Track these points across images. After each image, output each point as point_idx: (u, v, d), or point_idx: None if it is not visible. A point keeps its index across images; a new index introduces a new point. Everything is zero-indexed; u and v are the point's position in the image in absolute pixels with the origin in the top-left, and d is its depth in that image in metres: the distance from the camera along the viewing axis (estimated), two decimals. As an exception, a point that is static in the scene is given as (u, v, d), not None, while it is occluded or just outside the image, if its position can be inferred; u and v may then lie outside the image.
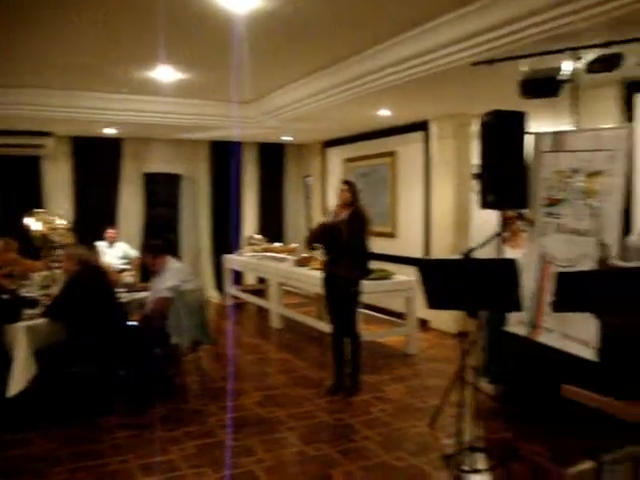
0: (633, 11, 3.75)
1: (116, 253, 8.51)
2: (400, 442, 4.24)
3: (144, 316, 5.34)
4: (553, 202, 4.16)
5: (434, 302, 3.43)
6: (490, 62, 4.57)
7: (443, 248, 7.47)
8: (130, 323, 5.30)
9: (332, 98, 6.52)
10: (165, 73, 6.19)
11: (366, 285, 5.72)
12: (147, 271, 5.88)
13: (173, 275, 5.31)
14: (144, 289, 5.80)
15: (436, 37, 4.82)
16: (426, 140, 8.05)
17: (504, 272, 3.15)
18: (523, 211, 4.53)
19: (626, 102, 5.69)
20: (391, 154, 8.72)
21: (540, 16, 4.12)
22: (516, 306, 3.30)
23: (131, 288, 5.96)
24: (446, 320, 7.28)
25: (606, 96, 5.72)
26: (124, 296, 5.59)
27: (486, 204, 4.33)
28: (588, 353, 3.62)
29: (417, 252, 8.04)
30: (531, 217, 4.29)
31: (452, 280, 3.25)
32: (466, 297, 3.25)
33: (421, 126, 8.10)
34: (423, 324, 7.45)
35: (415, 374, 5.89)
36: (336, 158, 10.27)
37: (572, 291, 2.81)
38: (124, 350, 4.93)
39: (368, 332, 6.46)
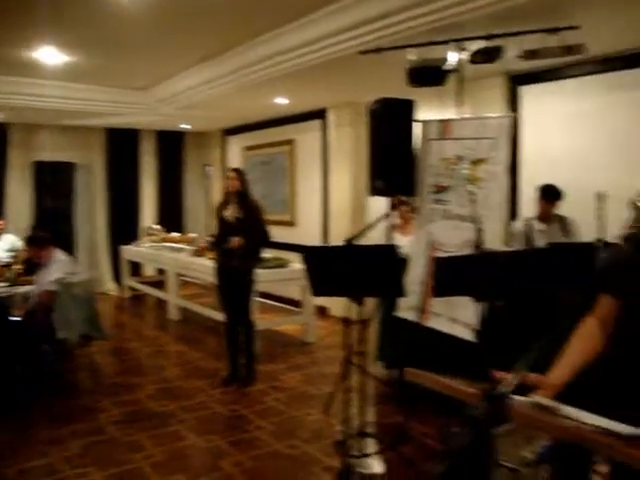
0: (514, 5, 3.87)
1: (3, 245, 8.02)
2: (293, 430, 4.23)
3: (28, 311, 5.08)
4: (440, 189, 4.26)
5: (318, 289, 3.43)
6: (377, 51, 4.61)
7: (341, 236, 7.48)
8: (13, 318, 5.02)
9: (225, 86, 6.44)
10: (48, 54, 5.86)
11: (262, 274, 5.68)
12: (32, 264, 5.59)
13: (59, 268, 5.11)
14: (28, 283, 5.50)
15: (324, 25, 4.83)
16: (324, 128, 8.07)
17: (385, 258, 3.18)
18: (407, 198, 4.61)
19: (511, 93, 5.91)
20: (290, 142, 8.69)
21: (426, 7, 4.19)
22: (399, 292, 3.35)
23: (13, 282, 5.63)
24: (345, 307, 7.32)
25: (493, 87, 5.92)
26: (4, 290, 5.28)
27: (374, 191, 4.39)
28: (469, 335, 3.75)
29: (316, 240, 8.06)
30: (417, 204, 4.38)
31: (335, 267, 3.25)
32: (349, 284, 3.26)
33: (319, 114, 8.12)
34: (322, 311, 7.49)
35: (312, 362, 5.91)
36: (236, 147, 10.13)
37: (450, 275, 2.87)
38: (7, 346, 4.67)
39: (265, 321, 6.42)
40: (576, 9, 4.00)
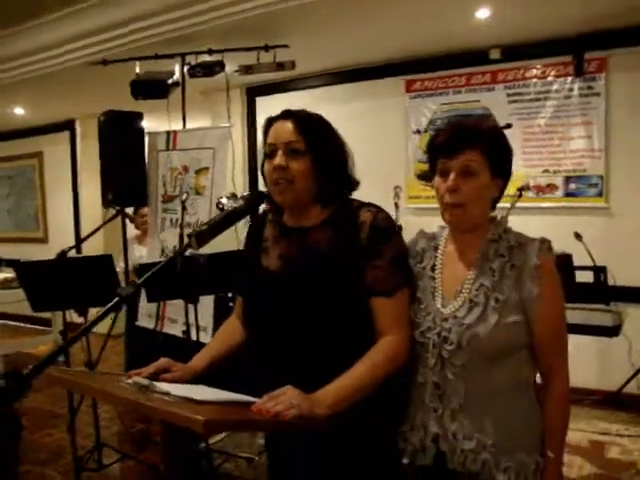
0: (232, 22, 4.14)
1: None
2: (31, 454, 4.06)
3: None
4: (168, 198, 4.38)
5: (38, 304, 3.37)
6: (104, 63, 4.61)
7: (96, 248, 7.31)
8: None
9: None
10: None
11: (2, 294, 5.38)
12: None
13: None
14: None
15: (49, 34, 4.71)
16: (73, 139, 7.81)
17: (101, 268, 3.23)
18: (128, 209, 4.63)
19: (248, 104, 6.25)
20: (38, 155, 8.26)
21: (151, 19, 4.30)
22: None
23: None
24: (107, 322, 7.14)
25: (234, 98, 6.19)
26: None
27: (106, 203, 4.38)
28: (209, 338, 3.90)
29: (70, 255, 7.72)
30: (141, 213, 4.49)
31: (52, 280, 3.23)
32: (68, 295, 3.25)
33: (68, 125, 7.83)
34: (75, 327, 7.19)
35: (61, 381, 5.68)
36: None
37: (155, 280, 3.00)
38: None
39: (11, 344, 6.06)
40: (285, 30, 4.38)
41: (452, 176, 1.51)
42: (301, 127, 1.55)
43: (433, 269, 1.65)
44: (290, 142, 1.54)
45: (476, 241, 1.60)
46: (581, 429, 4.10)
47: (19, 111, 7.01)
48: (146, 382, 1.34)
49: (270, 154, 1.57)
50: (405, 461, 1.62)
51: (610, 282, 3.85)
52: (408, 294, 1.59)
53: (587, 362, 4.51)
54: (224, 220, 1.49)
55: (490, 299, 1.52)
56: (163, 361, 1.63)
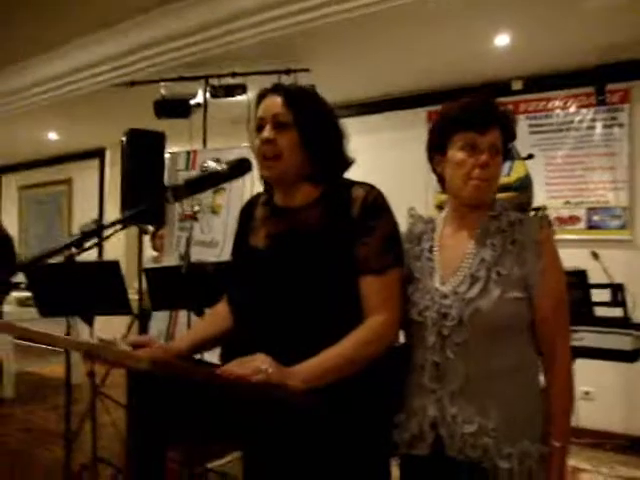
0: (253, 45, 4.21)
1: None
2: (27, 469, 4.03)
3: None
4: (186, 217, 4.41)
5: (44, 309, 3.37)
6: (131, 84, 4.73)
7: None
8: None
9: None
10: None
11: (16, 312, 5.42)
12: None
13: None
14: None
15: (78, 58, 4.85)
16: (102, 167, 7.97)
17: (108, 274, 3.22)
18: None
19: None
20: (68, 181, 8.44)
21: (174, 43, 4.40)
22: (125, 308, 3.38)
23: None
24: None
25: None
26: None
27: (125, 221, 4.41)
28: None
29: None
30: (159, 235, 4.51)
31: (59, 284, 3.22)
32: (75, 301, 3.24)
33: (98, 153, 8.01)
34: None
35: (73, 401, 5.65)
36: (11, 185, 9.59)
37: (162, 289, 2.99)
38: None
39: (24, 362, 6.08)
40: (306, 54, 4.44)
41: (486, 152, 1.51)
42: (289, 100, 1.53)
43: (431, 250, 1.62)
44: (277, 114, 1.52)
45: (477, 220, 1.59)
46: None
47: (52, 136, 7.19)
48: (112, 339, 1.30)
49: (259, 128, 1.55)
50: (402, 451, 1.55)
51: (635, 318, 3.73)
52: (399, 275, 1.53)
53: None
54: (204, 179, 1.48)
55: (492, 273, 1.50)
56: (145, 337, 1.60)
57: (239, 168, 1.56)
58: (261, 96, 1.60)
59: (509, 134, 1.58)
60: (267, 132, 1.52)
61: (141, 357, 1.00)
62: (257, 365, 1.25)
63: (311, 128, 1.53)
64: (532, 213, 3.47)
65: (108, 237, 1.68)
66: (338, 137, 1.61)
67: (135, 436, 1.36)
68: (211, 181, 1.48)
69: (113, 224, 1.67)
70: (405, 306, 1.56)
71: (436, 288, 1.54)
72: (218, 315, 1.76)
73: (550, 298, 1.49)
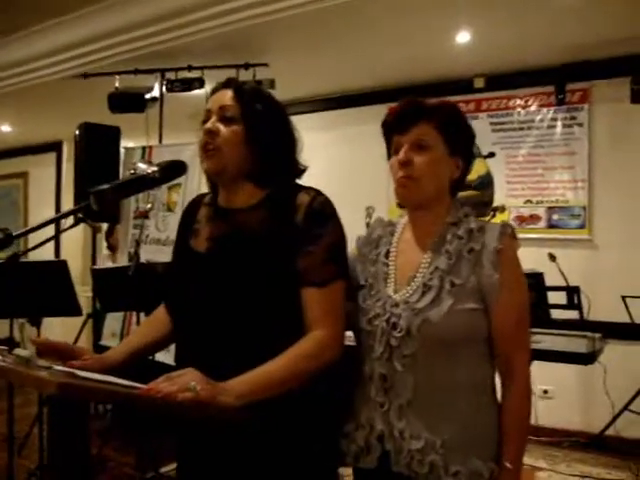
0: (214, 38, 4.10)
1: None
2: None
3: None
4: (140, 214, 4.28)
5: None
6: (84, 76, 4.58)
7: (75, 269, 7.19)
8: None
9: None
10: None
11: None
12: None
13: None
14: None
15: (30, 47, 4.68)
16: (59, 161, 7.75)
17: (56, 274, 3.10)
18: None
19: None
20: (23, 175, 8.19)
21: (129, 34, 4.26)
22: (73, 309, 3.27)
23: None
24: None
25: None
26: None
27: (78, 219, 4.27)
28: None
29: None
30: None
31: (3, 285, 3.08)
32: (21, 302, 3.10)
33: (55, 147, 7.78)
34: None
35: (25, 403, 5.48)
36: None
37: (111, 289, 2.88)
38: None
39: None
40: (265, 49, 4.35)
41: (404, 149, 1.45)
42: (239, 95, 1.48)
43: (387, 255, 1.54)
44: (224, 107, 1.47)
45: (434, 226, 1.50)
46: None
47: (5, 128, 6.96)
48: (27, 354, 1.19)
49: (205, 120, 1.49)
50: (349, 461, 1.48)
51: (591, 317, 3.74)
52: (342, 287, 1.45)
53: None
54: (131, 182, 1.39)
55: (445, 282, 1.41)
56: (67, 344, 1.50)
57: (171, 171, 1.47)
58: (214, 90, 1.55)
59: (451, 127, 1.48)
60: (210, 123, 1.46)
61: (49, 381, 0.91)
62: (186, 381, 1.17)
63: (258, 125, 1.47)
64: (491, 212, 3.44)
65: (55, 237, 1.55)
66: (288, 140, 1.54)
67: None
68: (140, 184, 1.39)
69: (47, 223, 1.53)
70: (356, 312, 1.49)
71: (388, 295, 1.47)
72: (157, 320, 1.67)
73: (509, 314, 1.41)
